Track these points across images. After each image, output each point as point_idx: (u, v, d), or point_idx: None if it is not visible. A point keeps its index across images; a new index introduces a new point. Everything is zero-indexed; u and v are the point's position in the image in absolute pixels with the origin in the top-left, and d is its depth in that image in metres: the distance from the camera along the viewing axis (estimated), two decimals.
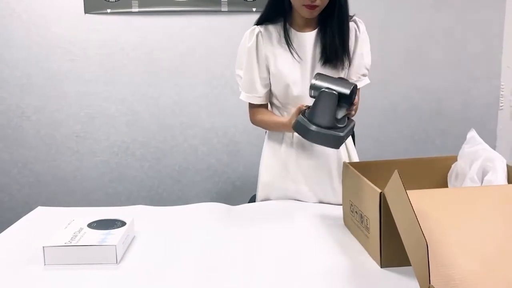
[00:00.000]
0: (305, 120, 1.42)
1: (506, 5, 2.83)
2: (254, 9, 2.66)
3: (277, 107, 1.73)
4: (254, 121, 1.76)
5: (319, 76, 1.43)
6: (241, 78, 1.70)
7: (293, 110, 1.55)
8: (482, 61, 2.89)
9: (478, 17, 2.84)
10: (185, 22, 2.74)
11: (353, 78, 1.67)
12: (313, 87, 1.42)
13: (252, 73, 1.66)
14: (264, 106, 1.73)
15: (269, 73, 1.67)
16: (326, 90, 1.39)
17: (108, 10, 2.68)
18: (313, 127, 1.40)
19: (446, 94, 2.91)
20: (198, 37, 2.76)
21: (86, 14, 2.69)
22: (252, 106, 1.73)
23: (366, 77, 1.71)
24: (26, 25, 2.70)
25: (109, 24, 2.71)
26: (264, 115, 1.71)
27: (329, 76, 1.46)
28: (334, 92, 1.38)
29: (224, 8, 2.71)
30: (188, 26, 2.74)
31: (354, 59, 1.66)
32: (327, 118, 1.40)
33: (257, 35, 1.64)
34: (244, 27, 1.69)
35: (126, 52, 2.75)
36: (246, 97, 1.70)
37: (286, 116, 1.67)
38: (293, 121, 1.46)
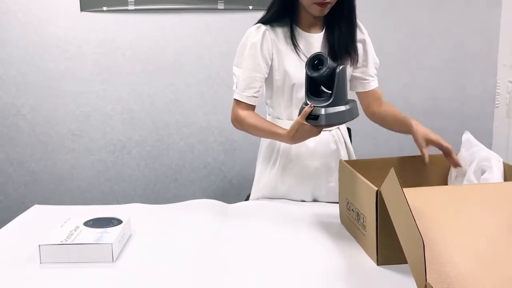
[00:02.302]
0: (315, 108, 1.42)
1: (502, 3, 2.84)
2: (250, 7, 2.66)
3: (276, 109, 1.70)
4: (242, 125, 1.63)
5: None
6: (238, 76, 1.62)
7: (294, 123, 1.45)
8: (478, 59, 2.90)
9: (475, 15, 2.84)
10: (181, 20, 2.73)
11: (369, 79, 1.71)
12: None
13: (253, 70, 1.59)
14: (253, 108, 1.63)
15: (268, 73, 1.63)
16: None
17: (104, 8, 2.68)
18: (322, 110, 1.40)
19: (442, 92, 2.91)
20: (194, 35, 2.76)
21: (82, 12, 2.69)
22: (241, 108, 1.62)
23: (376, 77, 1.74)
24: (21, 24, 2.69)
25: (105, 22, 2.71)
26: (256, 121, 1.60)
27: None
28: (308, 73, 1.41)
29: (221, 6, 2.70)
30: (184, 24, 2.74)
31: (368, 61, 1.68)
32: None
33: (263, 32, 1.59)
34: (240, 25, 1.68)
35: (122, 51, 2.75)
36: (242, 97, 1.60)
37: (282, 122, 1.66)
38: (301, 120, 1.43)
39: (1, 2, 2.66)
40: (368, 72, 1.70)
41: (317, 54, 1.43)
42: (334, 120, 1.43)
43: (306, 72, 1.45)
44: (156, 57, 2.77)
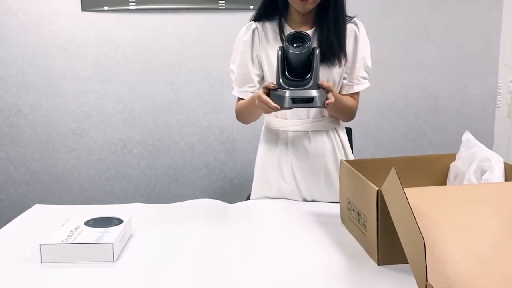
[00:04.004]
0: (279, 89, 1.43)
1: (503, 2, 2.83)
2: (251, 7, 2.66)
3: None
4: (237, 114, 1.73)
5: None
6: (234, 73, 1.68)
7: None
8: (479, 59, 2.89)
9: (475, 14, 2.84)
10: (182, 20, 2.73)
11: (354, 81, 1.66)
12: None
13: (246, 67, 1.65)
14: None
15: (262, 70, 1.67)
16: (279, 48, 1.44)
17: (105, 8, 2.68)
18: (287, 93, 1.41)
19: (443, 92, 2.91)
20: (195, 34, 2.76)
21: (83, 12, 2.69)
22: (239, 100, 1.71)
23: (367, 80, 1.68)
24: (22, 23, 2.69)
25: (105, 21, 2.71)
26: (241, 102, 1.69)
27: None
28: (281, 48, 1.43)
29: (222, 6, 2.70)
30: (185, 23, 2.74)
31: (356, 61, 1.64)
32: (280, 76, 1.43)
33: (253, 31, 1.64)
34: (241, 25, 1.69)
35: (122, 50, 2.75)
36: (238, 92, 1.69)
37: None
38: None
39: (2, 1, 2.66)
40: (354, 74, 1.65)
41: (298, 32, 1.42)
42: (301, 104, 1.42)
43: (282, 50, 1.42)
44: (157, 56, 2.77)
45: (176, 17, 2.73)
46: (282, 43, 1.57)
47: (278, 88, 1.44)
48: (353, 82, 1.67)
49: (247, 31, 1.65)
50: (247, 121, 1.74)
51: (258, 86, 1.67)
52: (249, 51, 1.64)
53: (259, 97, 1.46)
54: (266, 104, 1.43)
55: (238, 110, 1.71)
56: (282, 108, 1.43)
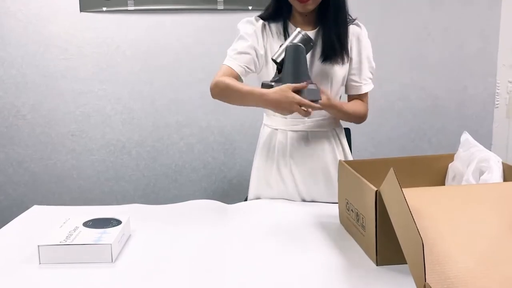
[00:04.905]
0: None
1: (502, 3, 2.83)
2: (250, 7, 2.66)
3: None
4: (217, 84, 1.54)
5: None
6: (231, 49, 1.63)
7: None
8: (478, 59, 2.90)
9: (474, 15, 2.84)
10: (181, 20, 2.73)
11: (362, 82, 1.68)
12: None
13: (250, 48, 1.59)
14: (236, 78, 1.58)
15: (259, 62, 1.63)
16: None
17: (104, 9, 2.68)
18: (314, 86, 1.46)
19: (442, 92, 2.91)
20: (194, 35, 2.75)
21: (82, 13, 2.69)
22: (224, 73, 1.57)
23: (371, 81, 1.70)
24: (21, 24, 2.69)
25: (104, 22, 2.71)
26: (234, 82, 1.53)
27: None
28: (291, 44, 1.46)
29: (220, 6, 2.70)
30: (184, 24, 2.74)
31: (362, 62, 1.66)
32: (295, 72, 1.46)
33: (263, 24, 1.64)
34: None
35: (122, 51, 2.75)
36: (230, 62, 1.59)
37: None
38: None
39: (1, 2, 2.66)
40: (362, 75, 1.67)
41: (304, 32, 1.49)
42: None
43: (306, 46, 1.46)
44: (156, 57, 2.77)
45: (174, 18, 2.73)
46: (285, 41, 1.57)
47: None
48: (361, 83, 1.68)
49: (257, 21, 1.65)
50: (228, 103, 1.60)
51: (247, 67, 1.60)
52: (257, 36, 1.62)
53: (300, 101, 1.39)
54: (310, 106, 1.42)
55: (230, 88, 1.51)
56: (318, 102, 1.46)
